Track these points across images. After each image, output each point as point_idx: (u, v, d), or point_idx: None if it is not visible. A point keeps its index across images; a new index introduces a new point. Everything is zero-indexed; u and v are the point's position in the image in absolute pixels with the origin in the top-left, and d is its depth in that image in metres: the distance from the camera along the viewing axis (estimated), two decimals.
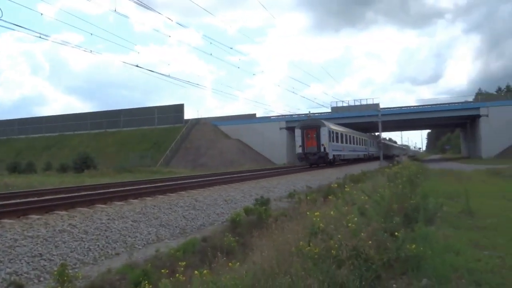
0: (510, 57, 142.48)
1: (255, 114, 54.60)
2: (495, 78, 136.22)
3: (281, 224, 5.56)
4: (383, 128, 46.88)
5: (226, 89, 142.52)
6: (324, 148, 23.17)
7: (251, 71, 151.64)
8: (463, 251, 4.46)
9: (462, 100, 52.62)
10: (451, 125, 68.19)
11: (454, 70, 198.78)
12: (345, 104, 49.39)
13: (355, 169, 22.38)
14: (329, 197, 5.63)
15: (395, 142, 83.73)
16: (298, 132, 23.81)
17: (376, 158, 38.23)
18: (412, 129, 74.70)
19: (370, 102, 49.98)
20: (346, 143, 29.22)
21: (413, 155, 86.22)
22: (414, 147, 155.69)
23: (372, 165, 31.21)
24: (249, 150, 49.14)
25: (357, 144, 34.56)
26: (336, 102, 50.47)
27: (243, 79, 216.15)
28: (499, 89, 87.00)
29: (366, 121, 44.49)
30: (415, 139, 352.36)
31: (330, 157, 23.79)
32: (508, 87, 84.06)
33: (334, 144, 24.42)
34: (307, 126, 23.70)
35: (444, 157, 69.81)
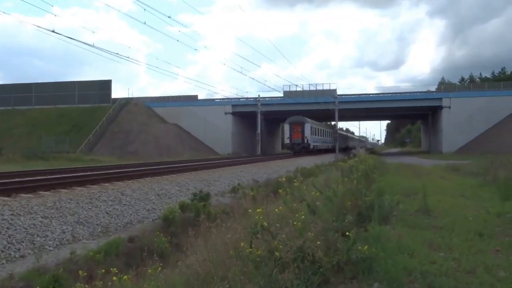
0: (474, 45, 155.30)
1: (196, 96, 54.44)
2: (458, 67, 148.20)
3: (221, 222, 5.59)
4: (340, 117, 49.62)
5: (163, 65, 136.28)
6: (307, 140, 36.04)
7: (193, 46, 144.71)
8: (418, 253, 4.72)
9: (425, 89, 56.62)
10: (412, 116, 72.96)
11: (417, 56, 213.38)
12: (299, 89, 50.46)
13: (321, 159, 28.85)
14: (279, 190, 5.70)
15: (353, 133, 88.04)
16: (286, 127, 37.82)
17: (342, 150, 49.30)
18: (371, 119, 79.73)
19: (326, 87, 51.35)
20: (321, 136, 43.22)
21: (371, 148, 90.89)
22: (373, 139, 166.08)
23: (328, 158, 33.20)
24: (188, 137, 48.68)
25: (327, 137, 47.73)
26: (289, 85, 52.05)
27: (183, 55, 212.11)
28: (462, 79, 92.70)
29: (321, 108, 46.14)
30: (374, 130, 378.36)
31: (311, 147, 36.61)
32: (471, 77, 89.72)
33: (314, 137, 37.69)
34: (294, 122, 37.14)
35: (404, 151, 75.23)
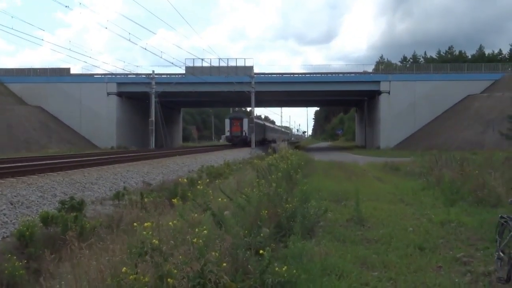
0: (419, 18, 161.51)
1: (69, 69, 52.27)
2: (400, 44, 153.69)
3: (97, 240, 5.51)
4: (257, 102, 51.41)
5: (22, 26, 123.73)
6: (245, 133, 50.26)
7: (64, 2, 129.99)
8: (348, 273, 4.88)
9: (360, 70, 59.94)
10: (345, 102, 77.45)
11: (352, 29, 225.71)
12: (205, 64, 50.90)
13: (234, 155, 32.48)
14: (174, 200, 5.56)
15: (273, 123, 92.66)
16: (227, 122, 52.68)
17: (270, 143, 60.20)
18: (296, 105, 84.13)
19: (241, 63, 52.61)
20: (260, 130, 58.90)
21: (296, 141, 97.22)
22: (298, 130, 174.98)
23: (243, 154, 34.29)
24: (57, 125, 47.10)
25: (266, 131, 66.43)
26: (193, 60, 51.88)
27: (50, 13, 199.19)
28: (404, 59, 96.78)
29: (234, 90, 46.86)
30: (300, 119, 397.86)
31: (249, 139, 47.80)
32: (414, 57, 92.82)
33: (250, 130, 48.73)
34: (234, 117, 53.26)
35: (335, 145, 79.72)
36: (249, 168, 17.48)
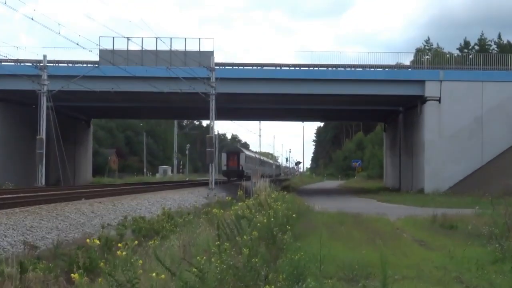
0: None
1: None
2: (458, 22, 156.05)
3: None
4: (222, 112, 53.89)
5: None
6: (242, 167, 75.55)
7: None
8: None
9: (391, 61, 61.06)
10: (366, 115, 79.57)
11: None
12: (134, 47, 52.15)
13: (187, 197, 35.00)
14: (75, 275, 5.47)
15: (247, 147, 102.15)
16: (224, 155, 77.39)
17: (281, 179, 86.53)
18: (285, 117, 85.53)
19: (193, 45, 54.54)
20: (253, 164, 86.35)
21: (284, 178, 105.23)
22: (287, 160, 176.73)
23: (194, 196, 34.84)
24: None
25: (261, 165, 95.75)
26: (113, 39, 52.71)
27: None
28: (466, 45, 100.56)
29: (180, 91, 48.49)
30: (291, 142, 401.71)
31: (245, 173, 69.81)
32: (482, 41, 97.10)
33: (248, 165, 78.93)
34: (231, 151, 79.90)
35: (349, 186, 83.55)
36: (205, 221, 17.44)
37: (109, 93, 50.29)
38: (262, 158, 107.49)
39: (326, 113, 77.58)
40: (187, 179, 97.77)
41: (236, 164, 74.85)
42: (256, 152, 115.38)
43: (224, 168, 76.46)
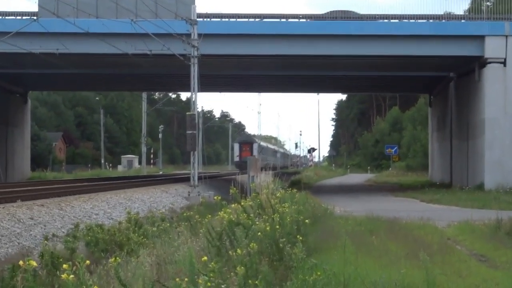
0: None
1: None
2: None
3: None
4: (207, 81, 57.29)
5: None
6: None
7: None
8: None
9: (438, 10, 60.73)
10: (403, 83, 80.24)
11: None
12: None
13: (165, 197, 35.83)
14: None
15: (243, 129, 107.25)
16: (236, 146, 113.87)
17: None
18: (293, 88, 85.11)
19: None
20: (268, 155, 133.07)
21: (294, 171, 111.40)
22: (298, 146, 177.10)
23: (171, 196, 36.97)
24: None
25: (273, 155, 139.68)
26: None
27: None
28: None
29: (149, 52, 48.37)
30: (304, 123, 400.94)
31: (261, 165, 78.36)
32: None
33: (262, 155, 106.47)
34: (243, 141, 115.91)
35: (381, 181, 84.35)
36: (185, 230, 17.46)
37: (52, 55, 49.93)
38: (276, 148, 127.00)
39: (350, 81, 76.39)
40: (161, 172, 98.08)
41: (250, 155, 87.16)
42: (268, 141, 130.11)
43: (236, 159, 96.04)
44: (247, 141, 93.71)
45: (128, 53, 48.35)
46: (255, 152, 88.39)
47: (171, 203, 36.43)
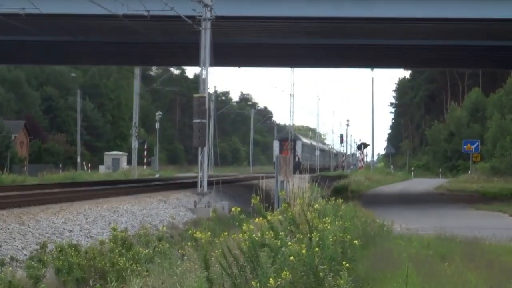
0: None
1: None
2: None
3: None
4: (223, 52, 56.80)
5: None
6: (298, 158, 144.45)
7: None
8: None
9: None
10: (486, 58, 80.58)
11: None
12: None
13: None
14: None
15: (270, 118, 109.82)
16: (276, 144, 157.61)
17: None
18: (339, 62, 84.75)
19: None
20: (312, 154, 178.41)
21: (338, 175, 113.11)
22: (343, 143, 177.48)
23: (171, 206, 37.98)
24: None
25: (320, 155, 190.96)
26: None
27: None
28: None
29: (145, 12, 47.58)
30: (352, 110, 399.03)
31: (302, 165, 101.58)
32: None
33: (305, 155, 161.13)
34: (284, 138, 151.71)
35: (459, 189, 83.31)
36: (191, 252, 17.46)
37: (16, 17, 50.31)
38: (322, 146, 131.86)
39: (416, 53, 76.29)
40: (157, 176, 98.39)
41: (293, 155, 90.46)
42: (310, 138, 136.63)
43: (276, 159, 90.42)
44: (290, 138, 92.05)
45: (118, 14, 48.48)
46: (298, 151, 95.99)
47: (171, 216, 36.34)
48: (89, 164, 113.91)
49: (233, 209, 19.87)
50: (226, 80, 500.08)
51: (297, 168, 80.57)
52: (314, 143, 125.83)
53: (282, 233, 15.23)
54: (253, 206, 19.42)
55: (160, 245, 21.76)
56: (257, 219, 16.90)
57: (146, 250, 21.12)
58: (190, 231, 21.02)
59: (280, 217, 18.27)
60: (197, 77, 46.37)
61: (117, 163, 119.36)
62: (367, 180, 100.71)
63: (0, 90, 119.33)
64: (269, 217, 17.34)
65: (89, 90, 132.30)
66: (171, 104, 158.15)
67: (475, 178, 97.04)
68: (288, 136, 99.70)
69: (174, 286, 12.40)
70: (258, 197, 19.11)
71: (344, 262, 14.47)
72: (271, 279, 10.02)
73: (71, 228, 28.52)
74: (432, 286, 17.30)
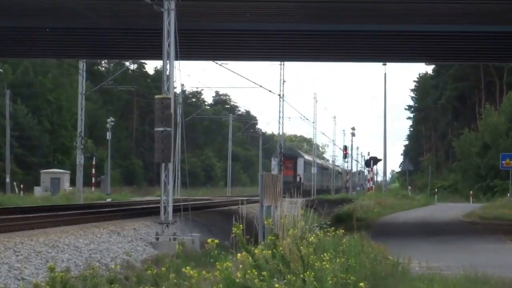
0: None
1: None
2: None
3: None
4: (200, 45, 57.49)
5: None
6: (300, 178, 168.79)
7: None
8: None
9: None
10: None
11: None
12: None
13: None
14: None
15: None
16: (274, 162, 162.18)
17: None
18: (341, 53, 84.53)
19: None
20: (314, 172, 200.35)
21: (341, 198, 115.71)
22: (347, 154, 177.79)
23: (125, 240, 36.47)
24: None
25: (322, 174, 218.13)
26: None
27: None
28: None
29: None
30: (359, 116, 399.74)
31: (304, 186, 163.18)
32: None
33: (307, 174, 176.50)
34: (284, 156, 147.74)
35: (493, 217, 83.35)
36: None
37: None
38: (325, 163, 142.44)
39: (440, 42, 75.45)
40: (109, 200, 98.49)
41: (292, 173, 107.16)
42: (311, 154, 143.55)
43: None
44: (289, 156, 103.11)
45: None
46: (300, 170, 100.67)
47: (126, 252, 36.25)
48: (22, 186, 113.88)
49: (208, 240, 20.02)
50: (197, 78, 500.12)
51: (298, 188, 78.52)
52: (319, 160, 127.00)
53: (268, 273, 15.28)
54: (234, 238, 19.49)
55: None
56: (239, 255, 16.93)
57: None
58: (150, 271, 21.23)
59: (265, 252, 18.24)
60: (159, 73, 46.21)
61: (57, 183, 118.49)
62: (377, 205, 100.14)
63: None
64: (253, 252, 17.38)
65: (21, 90, 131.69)
66: (126, 108, 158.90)
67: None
68: (290, 153, 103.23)
69: None
70: (239, 226, 19.21)
71: None
72: None
73: None
74: None
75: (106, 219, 49.91)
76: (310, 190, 69.26)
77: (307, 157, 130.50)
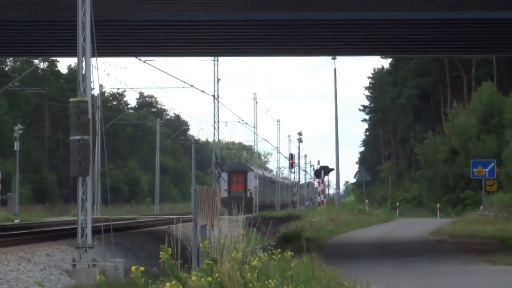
0: None
1: None
2: None
3: None
4: (124, 39, 57.62)
5: None
6: (250, 193, 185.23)
7: None
8: None
9: None
10: (505, 37, 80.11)
11: None
12: None
13: None
14: None
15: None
16: (224, 176, 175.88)
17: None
18: (284, 46, 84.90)
19: None
20: (269, 187, 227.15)
21: (288, 213, 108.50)
22: (293, 163, 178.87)
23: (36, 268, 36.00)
24: None
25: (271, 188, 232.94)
26: None
27: None
28: None
29: None
30: (307, 119, 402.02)
31: (255, 202, 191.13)
32: None
33: (260, 189, 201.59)
34: (234, 170, 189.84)
35: (463, 234, 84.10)
36: None
37: None
38: (276, 176, 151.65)
39: (398, 30, 76.72)
40: (17, 221, 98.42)
41: (243, 189, 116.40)
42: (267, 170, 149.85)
43: (224, 194, 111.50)
44: (239, 170, 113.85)
45: None
46: (251, 185, 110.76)
47: (38, 282, 36.22)
48: None
49: (132, 268, 19.85)
50: (118, 77, 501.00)
51: (249, 204, 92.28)
52: (269, 175, 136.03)
53: None
54: (162, 264, 19.38)
55: None
56: (167, 284, 16.83)
57: None
58: None
59: (202, 279, 18.12)
60: (74, 72, 46.03)
61: None
62: (330, 222, 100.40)
63: None
64: (193, 277, 17.27)
65: None
66: (36, 113, 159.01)
67: (490, 217, 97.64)
68: (239, 168, 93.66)
69: None
70: (168, 250, 19.09)
71: None
72: None
73: None
74: None
75: (14, 244, 49.67)
76: (265, 205, 70.24)
77: (260, 171, 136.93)
